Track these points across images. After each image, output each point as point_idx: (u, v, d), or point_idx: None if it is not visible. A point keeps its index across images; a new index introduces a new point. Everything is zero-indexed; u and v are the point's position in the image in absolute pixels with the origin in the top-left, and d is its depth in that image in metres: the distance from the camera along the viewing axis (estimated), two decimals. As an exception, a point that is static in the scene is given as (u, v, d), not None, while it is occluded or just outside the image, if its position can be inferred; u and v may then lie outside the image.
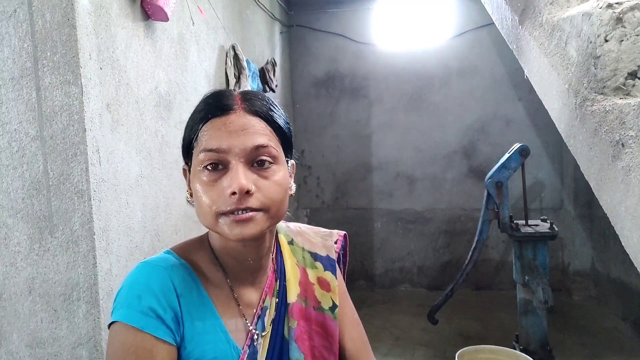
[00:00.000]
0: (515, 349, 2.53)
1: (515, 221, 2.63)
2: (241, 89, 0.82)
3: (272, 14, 3.81)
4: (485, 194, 2.66)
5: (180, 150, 0.82)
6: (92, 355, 1.49)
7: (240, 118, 0.74)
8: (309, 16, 4.41)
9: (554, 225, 2.59)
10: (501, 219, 2.61)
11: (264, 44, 3.60)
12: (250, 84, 2.84)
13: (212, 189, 0.72)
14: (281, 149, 0.78)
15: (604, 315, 3.66)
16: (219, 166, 0.73)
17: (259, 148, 0.74)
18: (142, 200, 1.76)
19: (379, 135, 4.46)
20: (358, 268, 4.53)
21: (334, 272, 0.93)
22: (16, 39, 1.42)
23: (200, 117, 0.76)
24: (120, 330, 0.73)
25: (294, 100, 4.54)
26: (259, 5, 3.42)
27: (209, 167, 0.73)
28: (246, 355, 0.78)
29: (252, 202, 0.72)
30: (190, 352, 0.75)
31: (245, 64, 2.79)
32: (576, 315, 3.71)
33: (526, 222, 2.67)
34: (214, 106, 0.76)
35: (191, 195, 0.79)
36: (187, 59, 2.20)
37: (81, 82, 1.42)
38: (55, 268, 1.47)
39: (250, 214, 0.72)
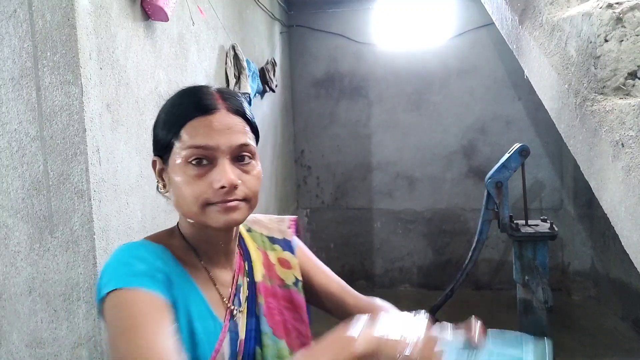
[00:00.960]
0: (515, 349, 2.53)
1: (515, 221, 2.64)
2: (216, 86, 0.86)
3: (272, 14, 3.81)
4: (485, 194, 2.66)
5: (153, 143, 0.86)
6: (92, 355, 1.49)
7: (224, 117, 0.80)
8: (309, 16, 4.41)
9: (554, 225, 2.59)
10: (501, 219, 2.61)
11: (264, 44, 3.60)
12: (250, 84, 2.84)
13: (198, 182, 0.78)
14: (255, 144, 0.85)
15: (604, 315, 3.66)
16: (203, 161, 0.79)
17: (242, 146, 0.81)
18: (142, 200, 1.76)
19: (379, 135, 4.46)
20: (358, 268, 4.53)
21: (292, 252, 1.02)
22: (16, 39, 1.42)
23: (182, 114, 0.80)
24: (116, 298, 0.73)
25: (294, 100, 4.54)
26: (259, 5, 3.42)
27: (193, 162, 0.78)
28: (227, 328, 0.84)
29: (238, 194, 0.79)
30: (178, 318, 0.78)
31: (245, 64, 2.79)
32: (576, 315, 3.71)
33: (526, 222, 2.67)
34: (198, 105, 0.80)
35: (164, 186, 0.85)
36: (187, 59, 2.20)
37: (81, 82, 1.41)
38: (55, 268, 1.47)
39: (236, 203, 0.79)
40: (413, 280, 4.50)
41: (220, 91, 0.84)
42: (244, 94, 2.76)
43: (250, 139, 0.82)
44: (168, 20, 1.86)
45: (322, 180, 4.58)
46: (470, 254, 2.74)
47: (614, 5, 1.04)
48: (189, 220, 0.85)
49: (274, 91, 3.55)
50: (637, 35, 1.02)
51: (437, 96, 4.33)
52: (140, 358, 0.67)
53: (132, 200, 1.69)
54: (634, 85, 1.02)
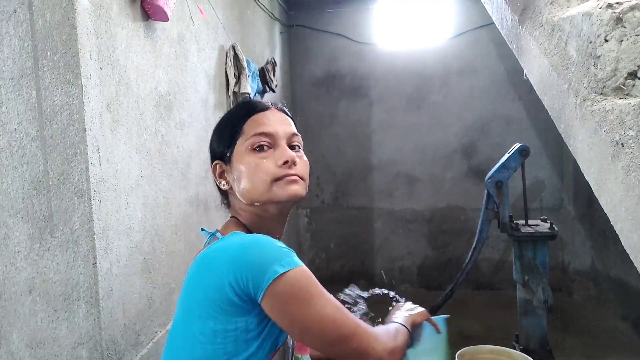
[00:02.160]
0: (515, 349, 2.53)
1: (515, 221, 2.63)
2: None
3: (272, 14, 3.80)
4: (485, 193, 2.66)
5: (211, 150, 1.06)
6: (92, 355, 1.49)
7: (277, 113, 1.02)
8: (309, 16, 4.41)
9: (554, 225, 2.59)
10: (501, 218, 2.61)
11: (264, 44, 3.60)
12: (250, 84, 2.84)
13: (264, 163, 0.94)
14: None
15: (604, 315, 3.66)
16: (264, 147, 0.96)
17: (294, 135, 1.02)
18: (142, 200, 1.76)
19: (379, 135, 4.46)
20: (358, 268, 4.53)
21: None
22: (16, 39, 1.42)
23: (243, 114, 1.00)
24: (301, 273, 0.86)
25: (294, 100, 4.54)
26: (259, 5, 3.42)
27: (257, 148, 0.96)
28: None
29: (297, 170, 0.96)
30: None
31: (245, 64, 2.79)
32: (576, 315, 3.71)
33: (526, 222, 2.67)
34: (254, 105, 1.02)
35: (227, 183, 1.01)
36: (187, 59, 2.20)
37: (81, 82, 1.42)
38: (55, 268, 1.47)
39: (296, 177, 0.96)
40: (413, 280, 4.50)
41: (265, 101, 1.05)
42: (244, 94, 2.76)
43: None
44: (168, 20, 1.85)
45: (322, 180, 4.57)
46: (470, 254, 2.73)
47: (614, 5, 1.04)
48: (255, 204, 0.96)
49: (274, 91, 3.55)
50: (637, 35, 1.01)
51: (437, 96, 4.33)
52: (339, 309, 0.88)
53: (132, 200, 1.69)
54: (634, 85, 1.02)
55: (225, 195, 1.06)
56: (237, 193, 0.98)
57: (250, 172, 0.94)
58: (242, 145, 0.97)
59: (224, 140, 1.01)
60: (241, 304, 0.85)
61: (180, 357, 0.91)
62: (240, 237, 0.91)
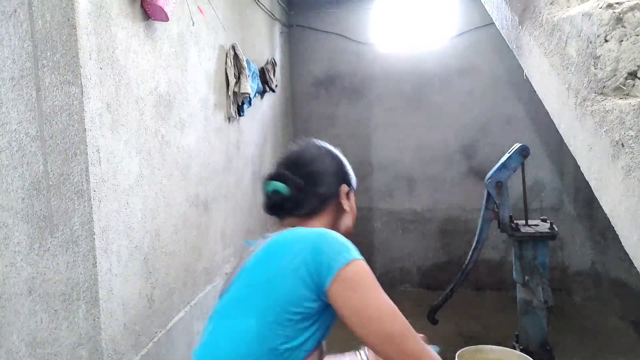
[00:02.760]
0: (515, 349, 2.53)
1: (515, 221, 2.63)
2: None
3: (272, 14, 3.80)
4: (485, 194, 2.66)
5: (340, 175, 1.26)
6: (92, 355, 1.49)
7: None
8: (309, 16, 4.41)
9: (554, 225, 2.59)
10: (501, 219, 2.61)
11: (264, 44, 3.60)
12: (250, 84, 2.84)
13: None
14: None
15: (604, 315, 3.66)
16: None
17: None
18: (142, 200, 1.76)
19: (379, 135, 4.46)
20: (358, 268, 4.52)
21: None
22: (16, 39, 1.42)
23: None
24: (362, 265, 0.97)
25: (294, 100, 4.54)
26: (259, 5, 3.42)
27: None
28: None
29: None
30: None
31: (245, 64, 2.79)
32: (576, 315, 3.71)
33: (526, 222, 2.67)
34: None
35: (347, 202, 1.22)
36: (187, 59, 2.20)
37: (81, 82, 1.42)
38: (55, 268, 1.47)
39: None
40: (413, 280, 4.50)
41: None
42: (244, 94, 2.76)
43: None
44: (168, 20, 1.85)
45: (322, 180, 4.57)
46: (470, 254, 2.73)
47: (614, 5, 1.04)
48: (348, 225, 1.25)
49: (274, 91, 3.55)
50: (637, 35, 1.01)
51: (437, 96, 4.33)
52: (390, 305, 0.94)
53: (132, 200, 1.69)
54: (634, 85, 1.02)
55: (317, 206, 1.19)
56: (351, 212, 1.25)
57: (355, 211, 1.27)
58: (354, 193, 1.28)
59: (352, 179, 1.29)
60: (308, 287, 0.94)
61: (241, 335, 0.98)
62: (319, 228, 1.06)
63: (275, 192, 1.17)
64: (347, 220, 1.25)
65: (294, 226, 1.13)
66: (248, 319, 0.97)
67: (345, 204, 1.23)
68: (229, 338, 1.00)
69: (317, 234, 1.01)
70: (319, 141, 1.35)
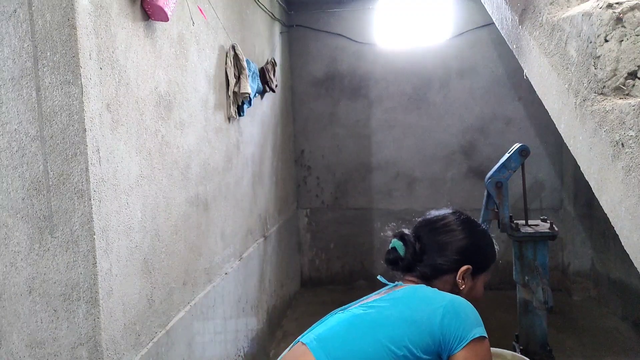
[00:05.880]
0: (515, 349, 2.53)
1: (515, 221, 2.63)
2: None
3: (272, 14, 3.80)
4: (485, 194, 2.66)
5: (479, 259, 1.29)
6: (92, 355, 1.49)
7: None
8: (309, 16, 4.41)
9: (554, 225, 2.59)
10: (501, 219, 2.61)
11: (264, 44, 3.60)
12: (250, 84, 2.84)
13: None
14: None
15: (604, 315, 3.66)
16: None
17: None
18: (142, 200, 1.76)
19: (379, 135, 4.46)
20: (358, 268, 4.53)
21: None
22: (16, 39, 1.42)
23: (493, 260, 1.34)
24: (486, 344, 1.09)
25: (294, 100, 4.54)
26: (259, 5, 3.42)
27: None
28: None
29: None
30: None
31: (245, 64, 2.79)
32: (576, 315, 3.71)
33: (526, 222, 2.67)
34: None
35: (462, 281, 1.25)
36: (187, 59, 2.20)
37: (81, 82, 1.42)
38: (55, 268, 1.47)
39: None
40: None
41: None
42: (244, 94, 2.76)
43: None
44: (168, 20, 1.85)
45: (322, 181, 4.57)
46: (470, 254, 2.73)
47: (614, 5, 1.04)
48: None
49: (274, 91, 3.55)
50: (637, 35, 1.01)
51: (437, 96, 4.33)
52: None
53: (132, 200, 1.69)
54: (634, 85, 1.02)
55: (430, 274, 1.25)
56: (464, 292, 1.25)
57: (480, 292, 1.30)
58: (485, 275, 1.31)
59: (487, 263, 1.31)
60: (433, 338, 1.06)
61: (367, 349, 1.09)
62: (455, 295, 1.16)
63: (394, 249, 1.28)
64: (464, 297, 1.26)
65: (415, 283, 1.24)
66: (376, 338, 1.09)
67: (461, 283, 1.26)
68: (357, 346, 1.11)
69: (454, 297, 1.14)
70: (469, 216, 1.36)
